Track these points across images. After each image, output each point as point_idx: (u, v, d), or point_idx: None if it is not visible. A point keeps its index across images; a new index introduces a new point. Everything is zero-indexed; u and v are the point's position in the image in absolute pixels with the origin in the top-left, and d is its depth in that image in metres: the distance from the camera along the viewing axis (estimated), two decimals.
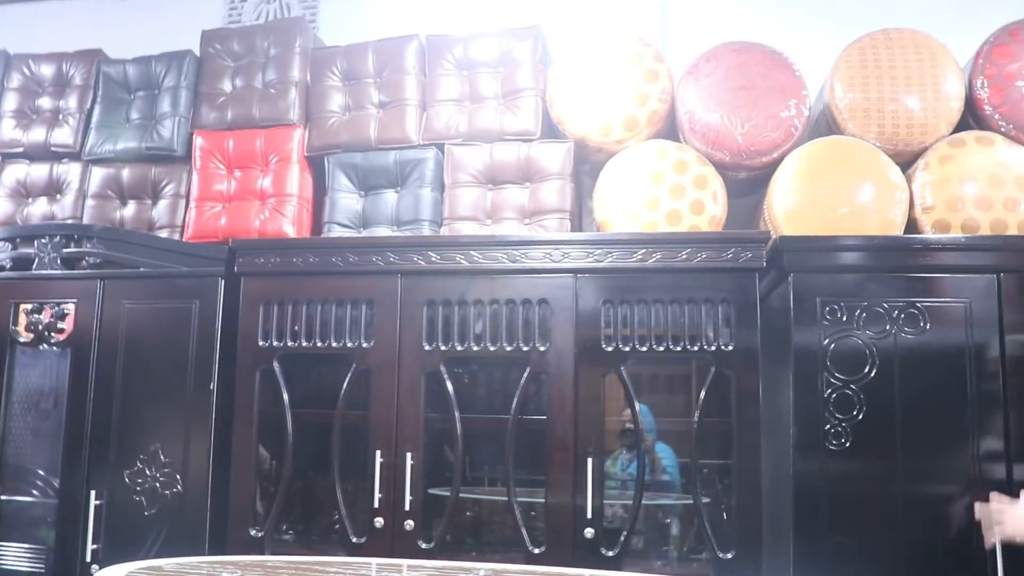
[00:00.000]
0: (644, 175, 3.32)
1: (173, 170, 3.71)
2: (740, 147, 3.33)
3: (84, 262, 3.32)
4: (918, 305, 2.88)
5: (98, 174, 3.79)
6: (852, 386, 2.86)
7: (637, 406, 2.97)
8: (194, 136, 3.69)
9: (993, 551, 2.62)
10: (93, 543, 3.12)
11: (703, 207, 3.27)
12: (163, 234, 3.60)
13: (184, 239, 3.56)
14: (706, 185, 3.29)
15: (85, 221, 3.75)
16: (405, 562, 2.56)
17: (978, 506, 2.61)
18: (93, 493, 3.15)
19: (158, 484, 3.15)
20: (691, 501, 3.00)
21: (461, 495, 3.10)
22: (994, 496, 2.60)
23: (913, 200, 3.21)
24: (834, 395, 2.86)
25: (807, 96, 3.37)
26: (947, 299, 2.89)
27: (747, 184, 3.55)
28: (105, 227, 3.51)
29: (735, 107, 3.35)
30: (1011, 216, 3.14)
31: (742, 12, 3.93)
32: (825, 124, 3.43)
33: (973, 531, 2.63)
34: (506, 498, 3.01)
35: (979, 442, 2.77)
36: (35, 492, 3.32)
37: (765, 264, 2.97)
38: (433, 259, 3.10)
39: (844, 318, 2.89)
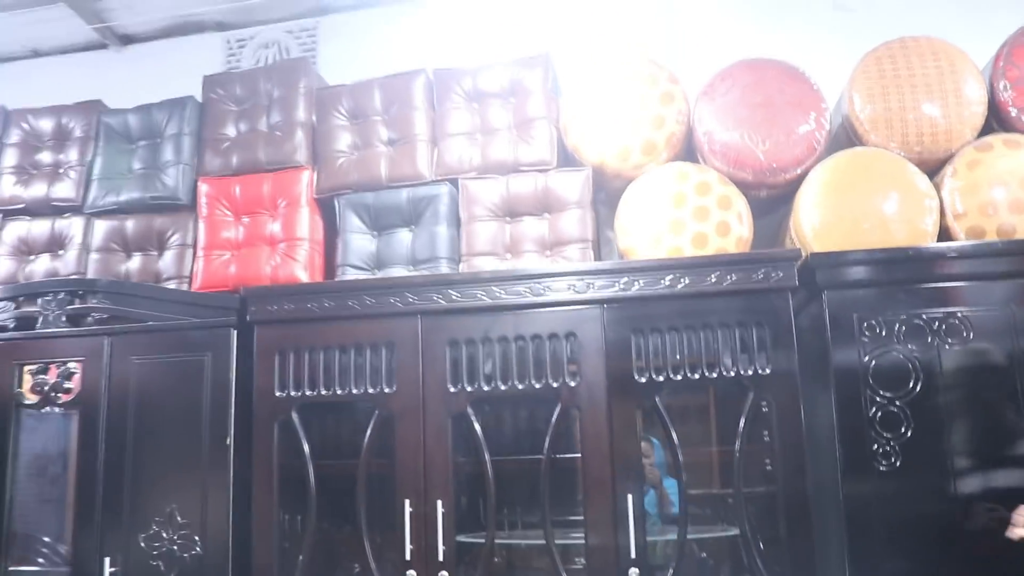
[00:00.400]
0: (666, 198, 3.22)
1: (179, 219, 3.60)
2: (762, 165, 3.24)
3: (89, 318, 3.21)
4: (959, 315, 2.79)
5: (101, 227, 3.67)
6: (897, 403, 2.77)
7: (675, 437, 2.84)
8: (199, 183, 3.59)
9: None
10: None
11: (729, 228, 3.17)
12: (171, 286, 3.48)
13: (193, 290, 3.44)
14: (730, 206, 3.20)
15: (89, 276, 3.63)
16: None
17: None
18: (107, 560, 3.00)
19: (176, 547, 3.01)
20: (736, 532, 2.88)
21: (497, 541, 2.97)
22: None
23: (944, 208, 3.11)
24: (879, 413, 2.77)
25: (827, 109, 3.29)
26: (988, 307, 2.81)
27: (768, 204, 3.45)
28: (110, 281, 3.40)
29: (754, 124, 3.26)
30: None
31: (751, 27, 3.85)
32: (846, 137, 3.34)
33: None
34: (543, 541, 2.88)
35: None
36: (42, 561, 3.18)
37: (797, 283, 2.88)
38: (453, 297, 2.99)
39: (883, 333, 2.81)
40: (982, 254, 2.88)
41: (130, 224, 3.62)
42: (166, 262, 3.54)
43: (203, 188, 3.55)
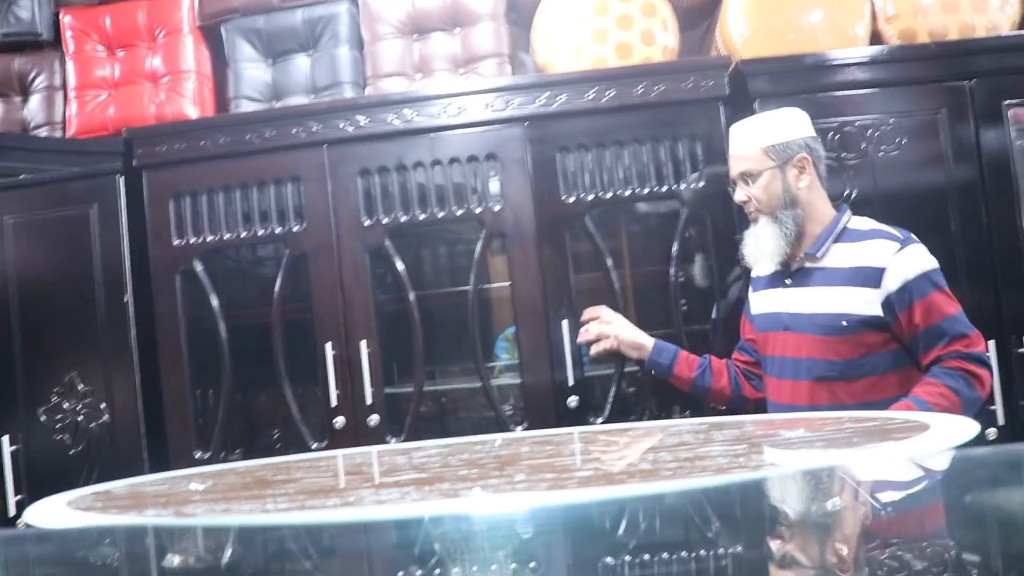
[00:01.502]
0: (587, 6, 2.97)
1: (42, 58, 3.19)
2: None
3: None
4: (891, 121, 2.69)
5: None
6: None
7: (608, 260, 2.71)
8: (61, 15, 3.18)
9: None
10: (15, 495, 2.75)
11: (654, 37, 2.96)
12: (42, 134, 3.11)
13: (68, 136, 3.09)
14: (655, 12, 2.98)
15: None
16: (414, 444, 2.25)
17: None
18: (6, 439, 2.76)
19: (80, 417, 2.79)
20: None
21: (425, 388, 2.82)
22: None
23: (875, 11, 2.97)
24: None
25: None
26: (921, 111, 2.72)
27: (690, 17, 3.25)
28: None
29: None
30: (979, 18, 2.92)
31: None
32: None
33: None
34: (479, 383, 2.75)
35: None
36: None
37: (728, 92, 2.73)
38: (361, 123, 2.74)
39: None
40: (913, 57, 2.77)
41: None
42: (32, 108, 3.15)
43: (66, 20, 3.13)
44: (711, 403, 2.56)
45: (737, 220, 2.68)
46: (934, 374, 2.07)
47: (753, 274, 2.44)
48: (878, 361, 2.13)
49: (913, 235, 2.20)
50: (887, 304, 2.10)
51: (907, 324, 2.10)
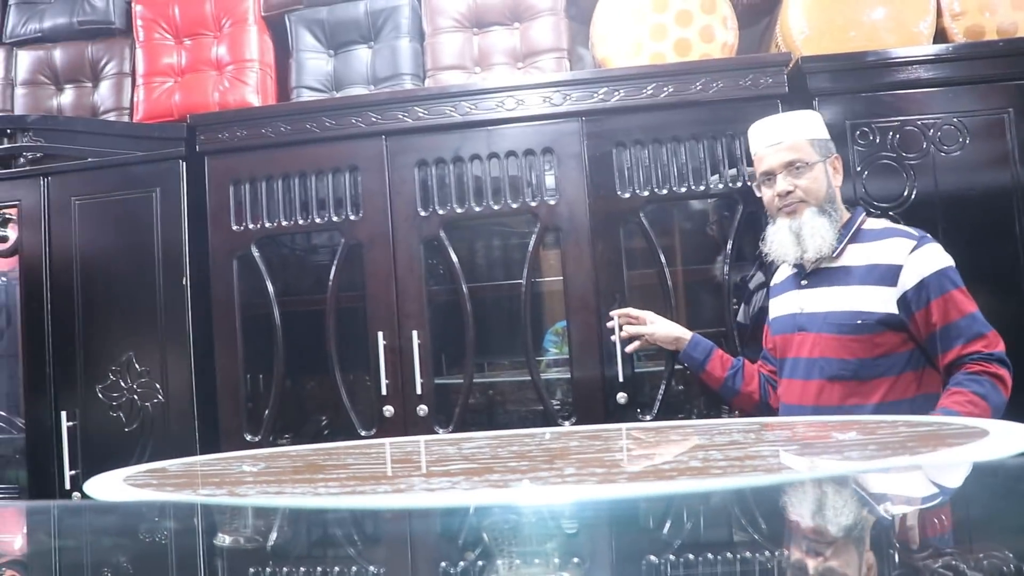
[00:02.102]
0: (646, 2, 2.96)
1: (113, 46, 3.26)
2: None
3: (22, 159, 2.95)
4: (955, 120, 2.64)
5: (26, 58, 3.31)
6: (891, 213, 2.63)
7: (662, 257, 2.69)
8: (133, 5, 3.23)
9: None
10: (71, 469, 2.83)
11: (713, 34, 2.94)
12: (110, 119, 3.18)
13: (134, 122, 3.15)
14: (715, 9, 2.95)
15: (17, 113, 3.30)
16: (463, 435, 2.27)
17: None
18: (64, 415, 2.84)
19: (136, 396, 2.86)
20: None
21: (476, 379, 2.83)
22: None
23: (940, 8, 2.91)
24: None
25: None
26: (987, 110, 2.66)
27: (750, 14, 3.22)
28: (41, 116, 3.10)
29: None
30: None
31: None
32: None
33: None
34: (528, 376, 2.75)
35: None
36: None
37: (787, 90, 2.70)
38: (420, 114, 2.76)
39: (877, 140, 2.66)
40: (979, 55, 2.70)
41: (58, 53, 3.27)
42: (102, 94, 3.22)
43: (138, 10, 3.19)
44: (736, 406, 2.54)
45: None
46: (959, 381, 2.02)
47: (772, 281, 2.42)
48: (894, 362, 2.11)
49: (928, 235, 2.17)
50: (903, 302, 2.08)
51: (924, 323, 2.07)
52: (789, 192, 2.23)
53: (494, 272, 3.03)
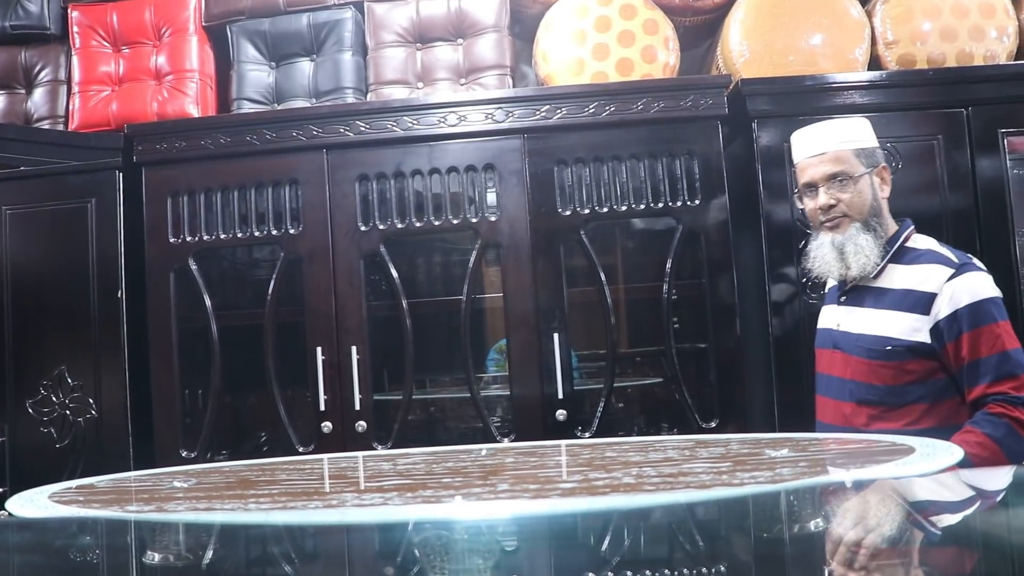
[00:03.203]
0: (589, 22, 2.99)
1: (48, 52, 3.19)
2: None
3: None
4: (888, 146, 2.71)
5: None
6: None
7: (601, 275, 2.72)
8: (69, 10, 3.18)
9: None
10: None
11: (655, 54, 2.98)
12: (44, 127, 3.12)
13: (70, 130, 3.09)
14: (657, 30, 3.00)
15: None
16: (400, 451, 2.25)
17: None
18: None
19: (68, 411, 2.80)
20: (659, 379, 2.84)
21: (415, 395, 2.82)
22: None
23: (875, 36, 2.99)
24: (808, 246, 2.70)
25: None
26: (919, 136, 2.74)
27: (691, 36, 3.27)
28: None
29: None
30: (977, 47, 2.94)
31: None
32: None
33: None
34: (468, 394, 2.75)
35: None
36: None
37: (727, 111, 2.75)
38: (362, 128, 2.76)
39: None
40: (911, 83, 2.79)
41: None
42: (36, 101, 3.15)
43: (74, 15, 3.14)
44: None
45: (733, 240, 2.71)
46: (975, 421, 1.93)
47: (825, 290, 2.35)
48: (924, 391, 2.00)
49: (975, 260, 2.08)
50: (936, 332, 1.98)
51: (955, 355, 1.97)
52: (832, 206, 2.10)
53: (434, 288, 3.02)
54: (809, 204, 2.16)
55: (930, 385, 2.01)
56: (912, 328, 1.99)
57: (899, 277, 2.06)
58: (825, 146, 2.12)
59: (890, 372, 2.01)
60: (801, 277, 2.67)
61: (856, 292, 2.13)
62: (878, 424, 2.01)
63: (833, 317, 2.18)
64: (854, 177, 2.09)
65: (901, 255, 2.09)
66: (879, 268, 2.08)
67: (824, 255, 2.12)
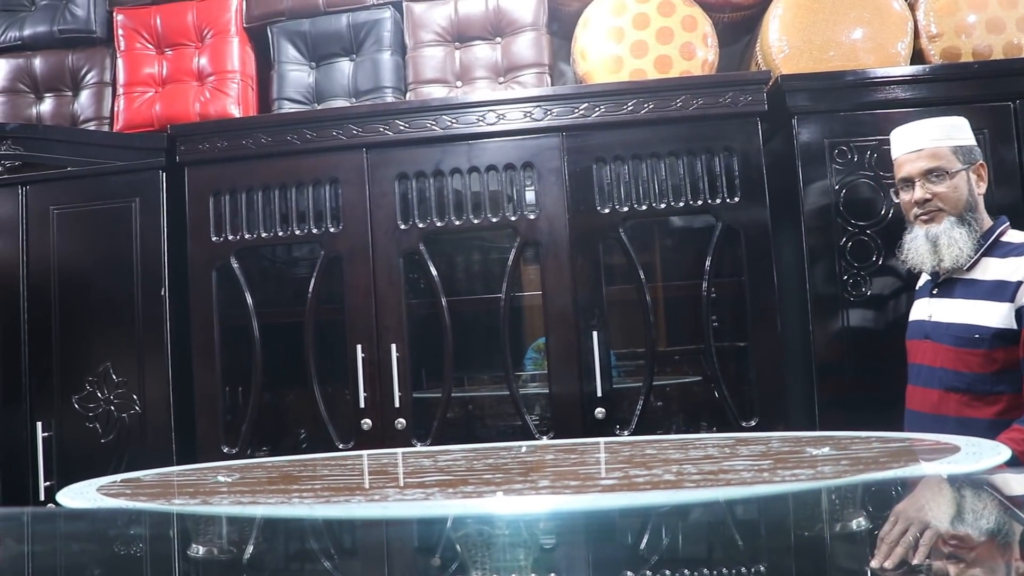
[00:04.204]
0: (627, 19, 2.98)
1: (94, 55, 3.25)
2: None
3: (0, 167, 2.93)
4: None
5: (5, 66, 3.27)
6: (868, 231, 2.67)
7: (640, 273, 2.71)
8: (114, 14, 3.22)
9: None
10: (45, 481, 2.81)
11: (694, 51, 2.96)
12: (90, 128, 3.17)
13: (115, 131, 3.14)
14: (695, 27, 2.98)
15: None
16: (439, 448, 2.26)
17: None
18: (39, 425, 2.83)
19: (113, 407, 2.84)
20: (699, 378, 2.83)
21: (454, 393, 2.83)
22: None
23: (918, 29, 2.94)
24: (850, 243, 2.67)
25: None
26: None
27: (730, 32, 3.25)
28: (20, 124, 3.09)
29: None
30: None
31: None
32: None
33: None
34: (507, 391, 2.75)
35: None
36: None
37: (767, 107, 2.72)
38: (401, 128, 2.77)
39: (855, 159, 2.69)
40: (955, 77, 2.75)
41: (38, 62, 3.26)
42: (82, 103, 3.21)
43: (119, 19, 3.19)
44: None
45: (773, 238, 2.68)
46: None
47: (917, 284, 2.37)
48: (1013, 379, 2.02)
49: None
50: (1020, 316, 2.01)
51: None
52: (927, 200, 2.16)
53: (473, 286, 3.03)
54: (905, 197, 2.23)
55: (1018, 375, 2.02)
56: (999, 314, 2.05)
57: (992, 269, 2.11)
58: (923, 143, 2.20)
59: (977, 360, 2.06)
60: (842, 275, 2.66)
61: (948, 284, 2.18)
62: (967, 412, 2.06)
63: (925, 309, 2.23)
64: (950, 173, 2.15)
65: (995, 248, 2.14)
66: (972, 261, 2.13)
67: (918, 247, 2.18)
